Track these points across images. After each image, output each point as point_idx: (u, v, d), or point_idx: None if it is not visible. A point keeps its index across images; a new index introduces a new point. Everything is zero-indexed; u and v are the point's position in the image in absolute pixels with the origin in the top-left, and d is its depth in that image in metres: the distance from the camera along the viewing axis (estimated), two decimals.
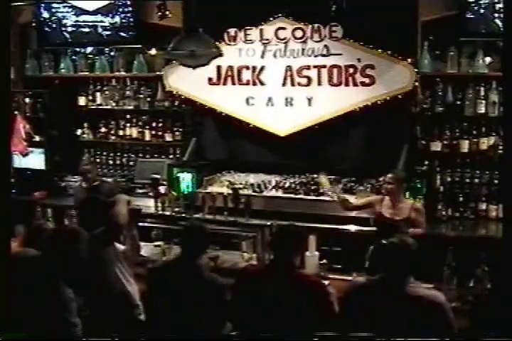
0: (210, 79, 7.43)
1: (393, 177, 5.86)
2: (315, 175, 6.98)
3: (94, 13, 7.86)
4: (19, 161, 8.28)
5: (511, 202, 3.88)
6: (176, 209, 6.66)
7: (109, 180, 7.83)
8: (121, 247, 4.85)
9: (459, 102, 6.74)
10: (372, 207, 6.03)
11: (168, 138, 8.03)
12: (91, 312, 4.60)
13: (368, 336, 3.76)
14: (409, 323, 3.73)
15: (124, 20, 7.74)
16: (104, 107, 8.34)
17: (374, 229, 6.02)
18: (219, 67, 7.32)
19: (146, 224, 6.31)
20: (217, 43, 6.04)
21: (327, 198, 6.46)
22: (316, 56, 6.97)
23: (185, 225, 4.78)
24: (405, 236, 4.32)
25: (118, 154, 8.45)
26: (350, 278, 5.14)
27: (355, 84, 6.85)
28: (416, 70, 6.59)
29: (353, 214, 6.38)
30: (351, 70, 6.84)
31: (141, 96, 8.12)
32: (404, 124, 6.84)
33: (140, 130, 8.18)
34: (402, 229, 5.53)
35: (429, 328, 3.73)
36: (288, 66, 7.08)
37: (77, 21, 7.97)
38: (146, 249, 6.21)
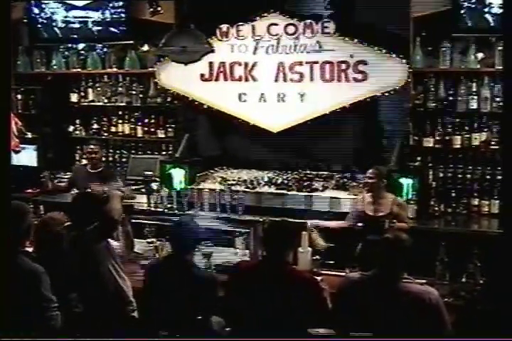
0: (202, 76, 7.41)
1: (374, 172, 5.92)
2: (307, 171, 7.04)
3: (84, 8, 7.81)
4: (11, 158, 8.25)
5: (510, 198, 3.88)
6: (169, 206, 6.67)
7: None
8: (114, 243, 4.83)
9: (451, 98, 6.74)
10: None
11: (160, 134, 8.00)
12: (84, 308, 4.60)
13: (362, 336, 3.78)
14: (402, 318, 3.74)
15: (114, 16, 7.70)
16: (97, 104, 8.31)
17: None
18: (211, 63, 7.30)
19: (138, 221, 6.32)
20: (209, 39, 6.03)
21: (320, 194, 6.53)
22: (308, 52, 6.97)
23: (173, 222, 4.78)
24: (398, 231, 4.32)
25: (110, 151, 8.42)
26: (343, 273, 5.14)
27: (347, 80, 6.86)
28: (408, 66, 6.60)
29: (346, 209, 6.39)
30: (343, 66, 6.84)
31: (134, 92, 8.09)
32: (397, 120, 6.85)
33: (132, 126, 8.15)
34: (386, 225, 5.59)
35: (422, 324, 3.74)
36: (280, 62, 7.08)
37: (67, 17, 7.92)
38: (139, 246, 6.20)
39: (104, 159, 8.28)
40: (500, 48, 6.30)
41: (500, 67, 6.24)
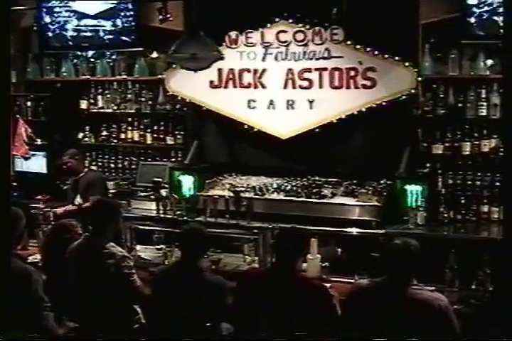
0: (211, 82, 7.42)
1: None
2: (316, 178, 7.03)
3: (96, 17, 7.85)
4: (21, 165, 8.30)
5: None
6: (178, 213, 6.68)
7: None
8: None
9: (460, 104, 6.73)
10: None
11: (169, 141, 8.02)
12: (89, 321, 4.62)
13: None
14: (412, 325, 3.74)
15: (125, 24, 7.72)
16: (106, 110, 8.35)
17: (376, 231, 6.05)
18: (220, 70, 7.32)
19: (147, 227, 6.33)
20: (218, 46, 6.04)
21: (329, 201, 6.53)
22: (317, 59, 6.97)
23: (183, 228, 4.79)
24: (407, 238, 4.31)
25: (120, 157, 8.45)
26: (352, 280, 5.13)
27: (356, 87, 6.84)
28: (417, 73, 6.60)
29: (355, 216, 6.38)
30: (352, 73, 6.84)
31: (143, 99, 8.12)
32: (406, 127, 6.84)
33: (141, 133, 8.17)
34: None
35: (432, 330, 3.73)
36: (289, 69, 7.08)
37: (79, 25, 7.96)
38: (148, 253, 6.22)
39: (112, 165, 8.34)
40: None
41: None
